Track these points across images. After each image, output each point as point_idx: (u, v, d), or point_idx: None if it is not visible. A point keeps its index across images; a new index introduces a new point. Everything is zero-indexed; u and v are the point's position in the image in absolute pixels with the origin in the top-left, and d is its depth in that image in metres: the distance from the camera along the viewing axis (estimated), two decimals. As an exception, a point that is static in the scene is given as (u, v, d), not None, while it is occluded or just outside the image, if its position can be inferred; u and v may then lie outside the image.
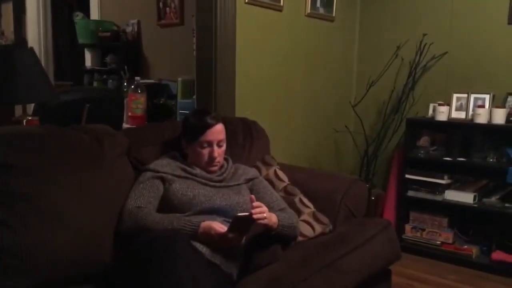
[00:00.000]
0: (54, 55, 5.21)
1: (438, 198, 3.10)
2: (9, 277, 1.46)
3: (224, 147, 1.92)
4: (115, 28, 4.46)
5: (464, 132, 3.12)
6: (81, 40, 4.54)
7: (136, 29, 4.34)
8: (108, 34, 4.37)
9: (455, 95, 3.14)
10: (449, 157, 3.09)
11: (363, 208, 2.28)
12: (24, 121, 2.00)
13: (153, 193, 1.77)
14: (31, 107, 2.46)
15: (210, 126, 1.85)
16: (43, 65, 4.74)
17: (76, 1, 5.44)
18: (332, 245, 1.87)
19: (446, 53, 3.27)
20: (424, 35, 3.27)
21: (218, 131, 1.87)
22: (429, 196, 3.13)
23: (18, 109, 2.13)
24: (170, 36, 4.09)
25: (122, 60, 4.24)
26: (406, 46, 3.36)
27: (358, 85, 3.66)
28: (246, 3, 2.73)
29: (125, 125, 3.02)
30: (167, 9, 4.05)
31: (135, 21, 4.35)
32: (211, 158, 1.86)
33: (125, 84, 3.63)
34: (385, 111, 3.44)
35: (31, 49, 2.07)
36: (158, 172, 1.81)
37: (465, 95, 3.11)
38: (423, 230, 3.18)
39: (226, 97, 2.70)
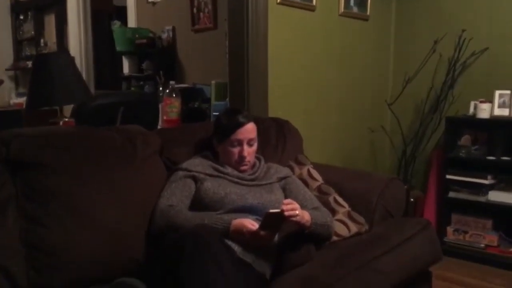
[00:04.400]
0: (94, 64, 5.36)
1: (481, 199, 2.98)
2: (42, 274, 1.49)
3: (255, 147, 1.90)
4: (151, 35, 4.55)
5: (508, 129, 2.98)
6: (118, 48, 4.65)
7: (171, 35, 4.41)
8: (144, 41, 4.47)
9: (497, 92, 3.00)
10: (493, 156, 2.97)
11: (401, 208, 2.21)
12: (61, 122, 2.05)
13: (185, 192, 1.77)
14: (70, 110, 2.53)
15: (241, 125, 1.84)
16: (84, 74, 4.90)
17: (115, 10, 5.59)
18: (368, 245, 1.82)
19: (487, 48, 3.15)
20: (463, 30, 3.16)
21: (249, 130, 1.85)
22: (472, 197, 3.01)
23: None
24: (204, 41, 4.13)
25: (157, 66, 4.31)
26: (444, 42, 3.25)
27: (394, 83, 3.57)
28: (278, 3, 2.71)
29: (160, 129, 3.05)
30: (201, 14, 4.10)
31: (170, 27, 4.43)
32: (241, 157, 1.84)
33: (161, 89, 3.68)
34: (423, 109, 3.35)
35: (67, 52, 2.13)
36: (190, 171, 1.81)
37: (508, 92, 2.97)
38: (466, 232, 3.06)
39: (259, 98, 2.69)
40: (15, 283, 1.45)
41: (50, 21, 5.73)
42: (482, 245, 2.99)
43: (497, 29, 3.15)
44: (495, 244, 2.96)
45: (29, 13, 5.97)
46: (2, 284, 1.42)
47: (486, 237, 2.99)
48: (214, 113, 3.27)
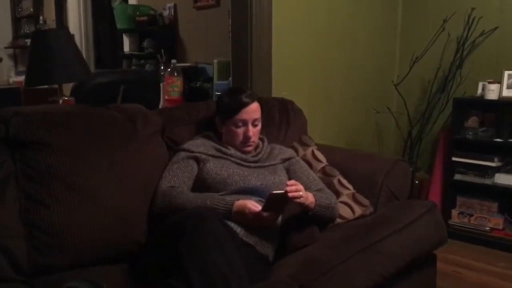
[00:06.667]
0: (94, 42, 5.29)
1: (487, 181, 2.94)
2: (43, 254, 1.48)
3: (259, 127, 1.85)
4: (152, 12, 4.47)
5: (516, 111, 2.93)
6: (119, 25, 4.58)
7: (172, 13, 4.33)
8: (145, 18, 4.39)
9: (506, 72, 2.94)
10: (500, 138, 2.92)
11: (406, 190, 2.17)
12: (60, 101, 2.01)
13: (187, 173, 1.74)
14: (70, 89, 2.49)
15: (245, 104, 1.79)
16: (84, 52, 4.84)
17: (115, -13, 5.49)
18: (372, 227, 1.78)
19: (496, 28, 3.07)
20: (473, 9, 3.07)
21: (253, 110, 1.81)
22: (478, 180, 2.98)
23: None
24: (206, 19, 4.05)
25: (159, 44, 4.24)
26: (453, 21, 3.17)
27: (401, 63, 3.49)
28: (282, -21, 2.64)
29: (161, 108, 3.01)
30: (203, -9, 4.02)
31: (171, 4, 4.35)
32: (246, 137, 1.80)
33: (162, 67, 3.63)
34: (430, 90, 3.27)
35: (66, 29, 2.08)
36: (192, 152, 1.78)
37: (518, 72, 2.91)
38: (471, 215, 3.03)
39: (262, 78, 2.64)
40: (16, 262, 1.43)
41: (49, -2, 5.64)
42: (487, 228, 2.96)
43: (507, 8, 3.06)
44: (500, 227, 2.93)
45: (28, -11, 5.89)
46: (2, 264, 1.40)
47: (491, 220, 2.96)
48: (217, 93, 3.22)
